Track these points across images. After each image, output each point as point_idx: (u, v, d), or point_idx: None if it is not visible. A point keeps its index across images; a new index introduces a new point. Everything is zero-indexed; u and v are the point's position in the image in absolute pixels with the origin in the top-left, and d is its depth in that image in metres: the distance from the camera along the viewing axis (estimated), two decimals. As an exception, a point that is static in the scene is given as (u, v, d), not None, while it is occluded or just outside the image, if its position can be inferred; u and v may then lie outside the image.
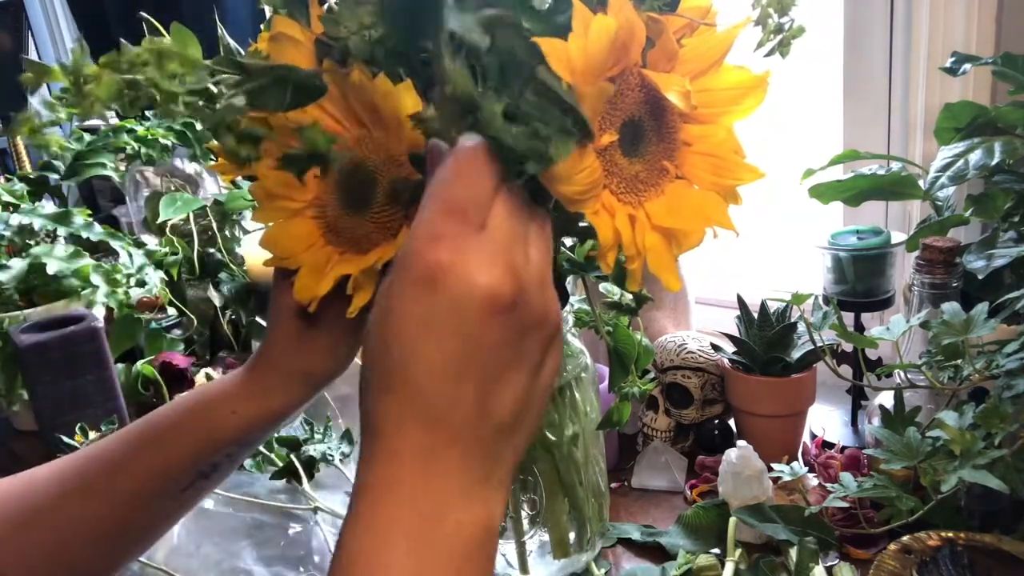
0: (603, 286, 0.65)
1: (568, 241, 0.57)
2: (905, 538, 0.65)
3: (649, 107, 0.40)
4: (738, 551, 0.69)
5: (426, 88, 0.42)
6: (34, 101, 0.37)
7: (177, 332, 1.23)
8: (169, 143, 1.34)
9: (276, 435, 0.91)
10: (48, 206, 1.19)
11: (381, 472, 0.33)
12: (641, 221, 0.40)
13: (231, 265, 1.27)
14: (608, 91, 0.37)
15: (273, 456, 0.89)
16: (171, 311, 1.21)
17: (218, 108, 0.37)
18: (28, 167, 1.89)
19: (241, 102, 0.37)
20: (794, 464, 0.73)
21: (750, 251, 1.17)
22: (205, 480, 0.52)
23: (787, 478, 0.72)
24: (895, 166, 0.85)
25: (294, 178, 0.44)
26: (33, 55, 2.03)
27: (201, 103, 0.38)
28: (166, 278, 1.19)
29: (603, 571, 0.72)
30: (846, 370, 0.85)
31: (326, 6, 0.42)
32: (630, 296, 0.53)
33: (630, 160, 0.40)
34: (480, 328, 0.32)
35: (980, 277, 0.72)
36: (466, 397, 0.33)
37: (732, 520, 0.71)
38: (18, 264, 1.04)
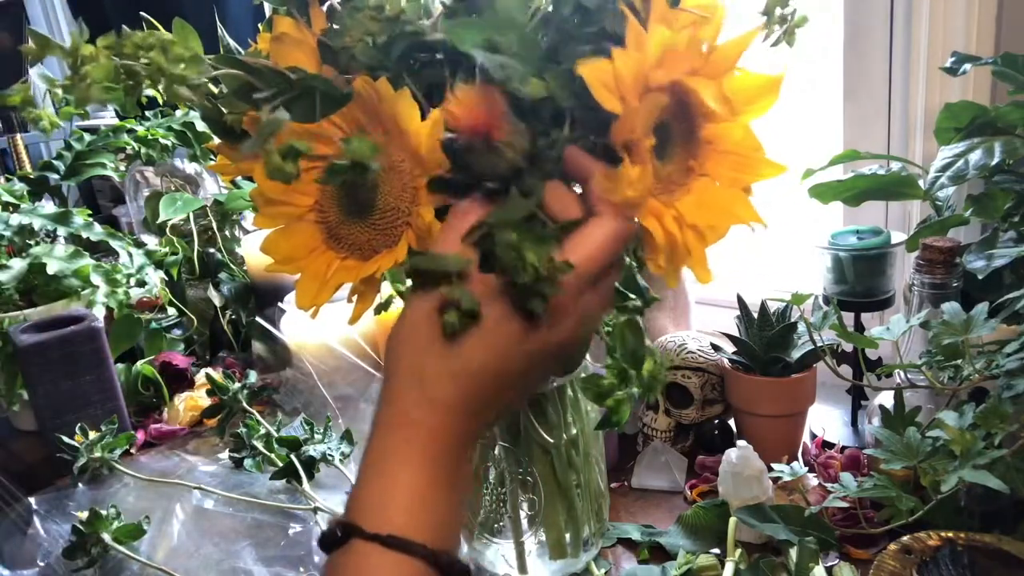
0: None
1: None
2: (905, 538, 0.64)
3: (675, 110, 0.41)
4: (738, 551, 0.69)
5: (427, 92, 0.42)
6: (33, 74, 0.37)
7: (177, 332, 1.23)
8: (169, 143, 1.34)
9: (276, 435, 0.92)
10: (48, 206, 1.19)
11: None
12: (678, 220, 0.41)
13: (231, 265, 1.27)
14: (663, 102, 0.38)
15: (273, 456, 0.90)
16: (171, 311, 1.21)
17: (262, 123, 0.37)
18: (28, 167, 1.89)
19: (285, 116, 0.37)
20: (794, 464, 0.73)
21: (750, 251, 1.17)
22: None
23: (787, 478, 0.72)
24: (895, 166, 0.85)
25: (295, 183, 0.45)
26: (33, 55, 2.03)
27: (206, 94, 0.38)
28: (166, 278, 1.19)
29: (603, 571, 0.72)
30: (846, 370, 0.85)
31: (326, 6, 0.42)
32: (635, 298, 0.54)
33: (662, 162, 0.41)
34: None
35: (980, 277, 0.72)
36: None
37: (732, 520, 0.71)
38: (18, 264, 1.04)
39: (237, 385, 0.96)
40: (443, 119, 0.39)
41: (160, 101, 1.35)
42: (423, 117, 0.41)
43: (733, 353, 0.88)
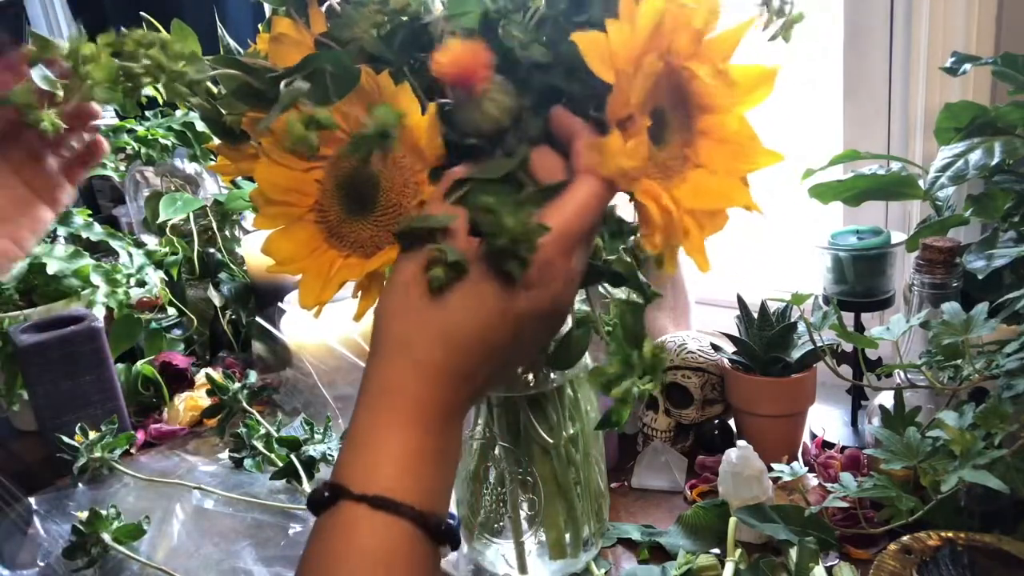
0: (602, 287, 0.65)
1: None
2: (905, 538, 0.64)
3: (671, 97, 0.41)
4: (738, 551, 0.69)
5: (427, 89, 0.43)
6: (35, 75, 0.37)
7: (177, 332, 1.23)
8: (169, 143, 1.34)
9: (276, 435, 0.92)
10: (48, 206, 1.19)
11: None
12: (675, 202, 0.41)
13: (231, 265, 1.27)
14: (656, 67, 0.38)
15: (273, 456, 0.90)
16: (171, 311, 1.21)
17: (281, 94, 0.37)
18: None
19: (304, 86, 0.38)
20: (794, 464, 0.73)
21: (750, 251, 1.17)
22: None
23: (787, 478, 0.72)
24: (895, 166, 0.85)
25: (295, 183, 0.45)
26: (33, 55, 2.03)
27: (205, 95, 0.38)
28: (166, 278, 1.19)
29: (603, 571, 0.72)
30: (846, 370, 0.85)
31: (325, 7, 0.42)
32: (636, 294, 0.54)
33: (657, 147, 0.41)
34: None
35: (980, 277, 0.72)
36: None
37: (732, 520, 0.71)
38: (18, 264, 1.04)
39: (237, 385, 0.96)
40: (431, 67, 0.39)
41: (160, 101, 1.34)
42: (423, 113, 0.42)
43: (733, 353, 0.88)
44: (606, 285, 0.64)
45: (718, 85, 0.40)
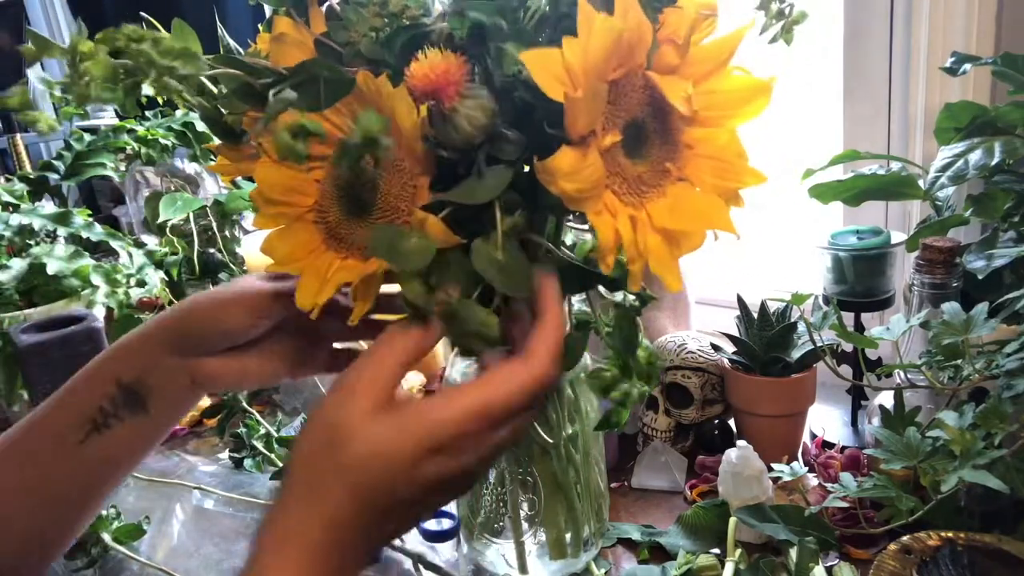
0: (603, 288, 0.64)
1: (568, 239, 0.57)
2: (905, 538, 0.64)
3: (653, 109, 0.40)
4: (738, 551, 0.69)
5: None
6: (32, 76, 0.37)
7: (177, 332, 1.22)
8: (169, 143, 1.34)
9: (276, 435, 0.92)
10: (48, 206, 1.19)
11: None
12: (642, 222, 0.40)
13: (231, 265, 1.27)
14: (602, 92, 0.37)
15: (273, 456, 0.90)
16: (171, 311, 1.21)
17: (269, 103, 0.37)
18: (28, 167, 1.89)
19: (292, 95, 0.37)
20: (794, 464, 0.73)
21: (750, 251, 1.17)
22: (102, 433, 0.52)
23: (787, 478, 0.72)
24: (895, 166, 0.85)
25: (294, 183, 0.45)
26: (33, 55, 2.03)
27: (201, 93, 0.38)
28: (166, 278, 1.19)
29: (603, 571, 0.72)
30: (846, 370, 0.85)
31: (325, 6, 0.42)
32: (632, 297, 0.54)
33: (633, 161, 0.40)
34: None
35: (980, 277, 0.72)
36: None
37: (732, 520, 0.71)
38: (18, 264, 1.04)
39: (237, 385, 0.96)
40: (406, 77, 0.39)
41: (160, 101, 1.34)
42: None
43: (733, 353, 0.88)
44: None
45: (688, 108, 0.39)
